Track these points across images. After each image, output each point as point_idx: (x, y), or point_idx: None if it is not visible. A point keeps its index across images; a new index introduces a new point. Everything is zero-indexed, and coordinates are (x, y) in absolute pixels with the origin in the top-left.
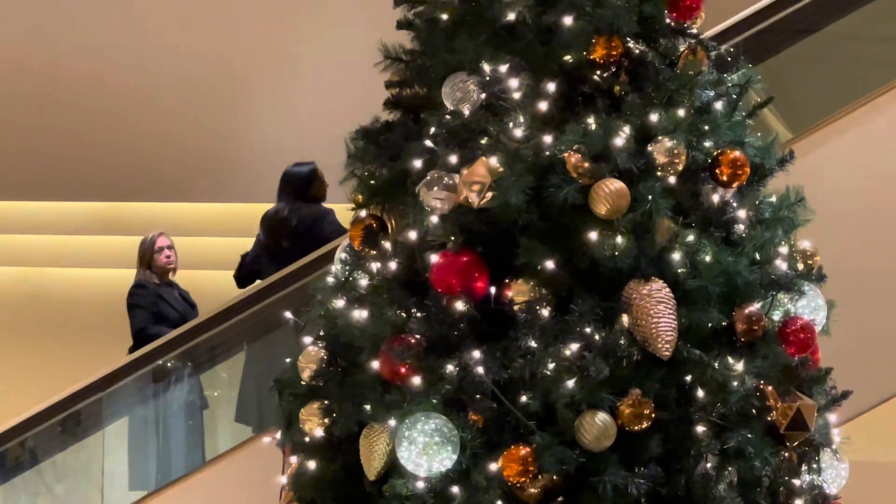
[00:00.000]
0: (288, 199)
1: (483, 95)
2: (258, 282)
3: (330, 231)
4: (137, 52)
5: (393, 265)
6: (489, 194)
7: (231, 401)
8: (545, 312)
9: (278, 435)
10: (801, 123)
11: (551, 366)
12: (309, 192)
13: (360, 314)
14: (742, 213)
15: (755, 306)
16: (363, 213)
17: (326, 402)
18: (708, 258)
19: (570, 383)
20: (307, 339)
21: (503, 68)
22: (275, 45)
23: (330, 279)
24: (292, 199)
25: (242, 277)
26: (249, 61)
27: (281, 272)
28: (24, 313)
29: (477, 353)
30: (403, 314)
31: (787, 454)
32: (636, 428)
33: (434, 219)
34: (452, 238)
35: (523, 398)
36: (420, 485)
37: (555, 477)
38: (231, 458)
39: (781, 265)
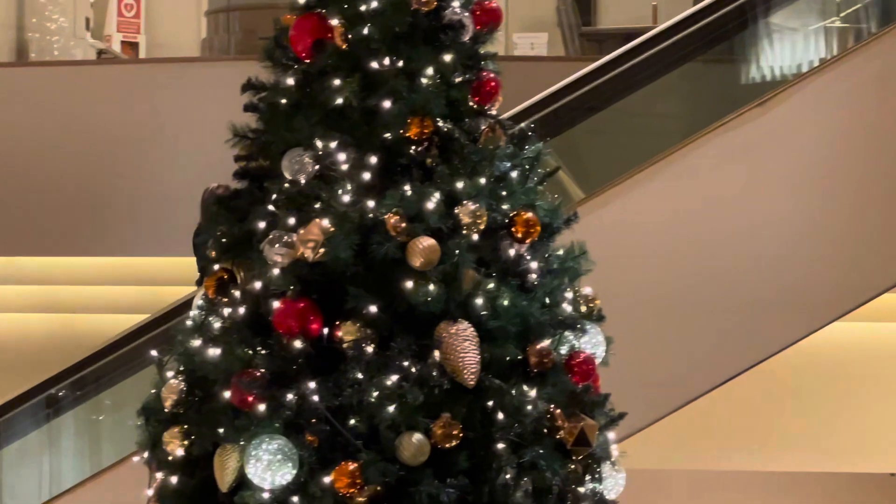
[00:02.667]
0: None
1: (316, 167)
2: None
3: None
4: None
5: (241, 310)
6: (322, 250)
7: None
8: (370, 349)
9: (146, 454)
10: (592, 185)
11: (375, 394)
12: None
13: (214, 352)
14: (534, 265)
15: (545, 342)
16: (216, 266)
17: (186, 426)
18: (506, 302)
19: (391, 408)
20: (170, 374)
21: (333, 144)
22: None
23: (189, 322)
24: None
25: None
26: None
27: None
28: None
29: (312, 384)
30: (250, 352)
31: (573, 466)
32: (447, 446)
33: (276, 271)
34: (291, 287)
35: (352, 421)
36: (265, 496)
37: (378, 488)
38: (110, 473)
39: (567, 308)
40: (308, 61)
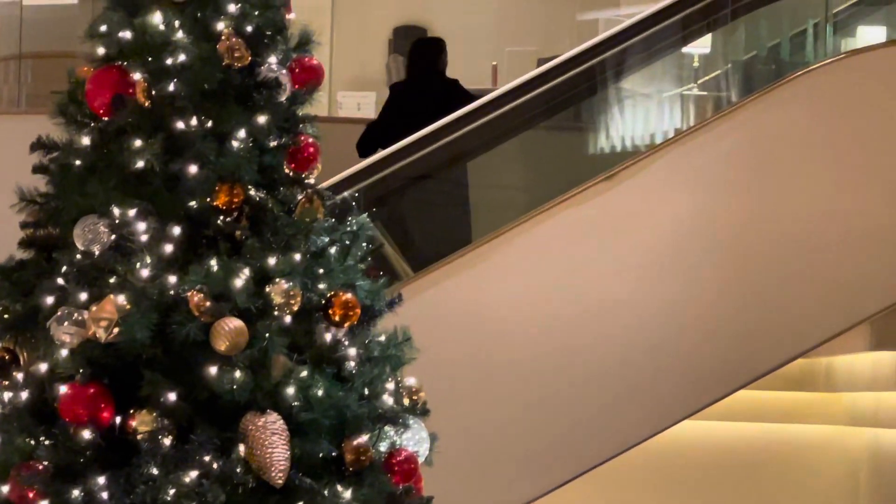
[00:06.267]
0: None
1: (112, 237)
2: None
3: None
4: None
5: (24, 395)
6: (116, 330)
7: None
8: (167, 441)
9: None
10: (423, 262)
11: (171, 492)
12: (440, 62)
13: None
14: (353, 351)
15: (363, 438)
16: None
17: None
18: (320, 392)
19: None
20: None
21: (132, 212)
22: None
23: None
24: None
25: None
26: None
27: None
28: None
29: (101, 480)
30: (32, 442)
31: None
32: None
33: (63, 352)
34: (80, 370)
35: None
36: None
37: None
38: None
39: (388, 400)
40: (105, 119)
